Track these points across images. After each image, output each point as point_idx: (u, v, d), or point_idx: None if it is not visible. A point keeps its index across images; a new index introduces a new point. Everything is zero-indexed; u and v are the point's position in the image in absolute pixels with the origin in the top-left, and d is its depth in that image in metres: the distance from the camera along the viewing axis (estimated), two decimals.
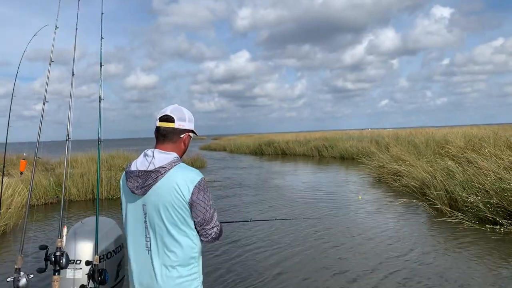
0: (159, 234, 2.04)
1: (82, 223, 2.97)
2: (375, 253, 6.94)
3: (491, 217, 8.17)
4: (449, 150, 12.59)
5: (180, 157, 2.17)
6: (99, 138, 2.88)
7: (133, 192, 2.05)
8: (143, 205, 2.06)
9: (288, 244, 7.54)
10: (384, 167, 15.85)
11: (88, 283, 2.20)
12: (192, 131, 2.26)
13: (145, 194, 2.04)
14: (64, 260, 2.50)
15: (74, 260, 2.78)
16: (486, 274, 5.82)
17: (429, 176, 10.96)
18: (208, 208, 2.08)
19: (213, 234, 2.14)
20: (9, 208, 9.03)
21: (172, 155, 2.10)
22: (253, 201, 12.62)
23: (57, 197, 12.91)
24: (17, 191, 9.77)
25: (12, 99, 3.02)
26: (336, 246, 7.44)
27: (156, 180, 2.00)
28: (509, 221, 7.93)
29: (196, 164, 25.83)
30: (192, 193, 2.01)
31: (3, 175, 3.30)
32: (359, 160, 20.82)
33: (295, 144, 37.18)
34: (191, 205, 2.03)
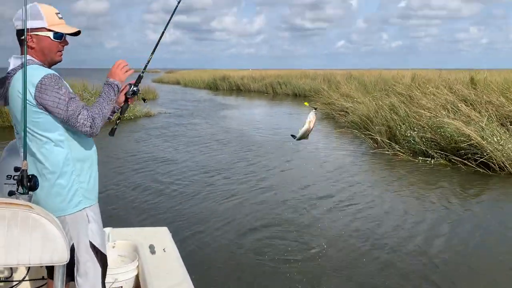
0: (28, 143, 1.88)
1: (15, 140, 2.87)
2: (313, 178, 7.35)
3: (425, 150, 8.76)
4: (395, 88, 13.05)
5: (49, 64, 1.95)
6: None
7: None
8: (12, 115, 1.93)
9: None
10: (333, 104, 16.29)
11: (17, 189, 2.03)
12: (41, 29, 1.88)
13: (7, 104, 1.89)
14: None
15: (11, 176, 2.68)
16: (415, 200, 6.38)
17: (373, 112, 11.42)
18: (62, 104, 1.82)
19: (84, 122, 1.86)
20: None
21: (23, 59, 1.83)
22: (205, 129, 12.72)
23: None
24: None
25: None
26: (277, 168, 7.80)
27: (7, 88, 1.86)
28: (439, 154, 8.54)
29: (147, 95, 25.15)
30: (35, 96, 1.79)
31: None
32: (310, 97, 21.15)
33: (250, 80, 36.98)
34: (44, 107, 1.81)
